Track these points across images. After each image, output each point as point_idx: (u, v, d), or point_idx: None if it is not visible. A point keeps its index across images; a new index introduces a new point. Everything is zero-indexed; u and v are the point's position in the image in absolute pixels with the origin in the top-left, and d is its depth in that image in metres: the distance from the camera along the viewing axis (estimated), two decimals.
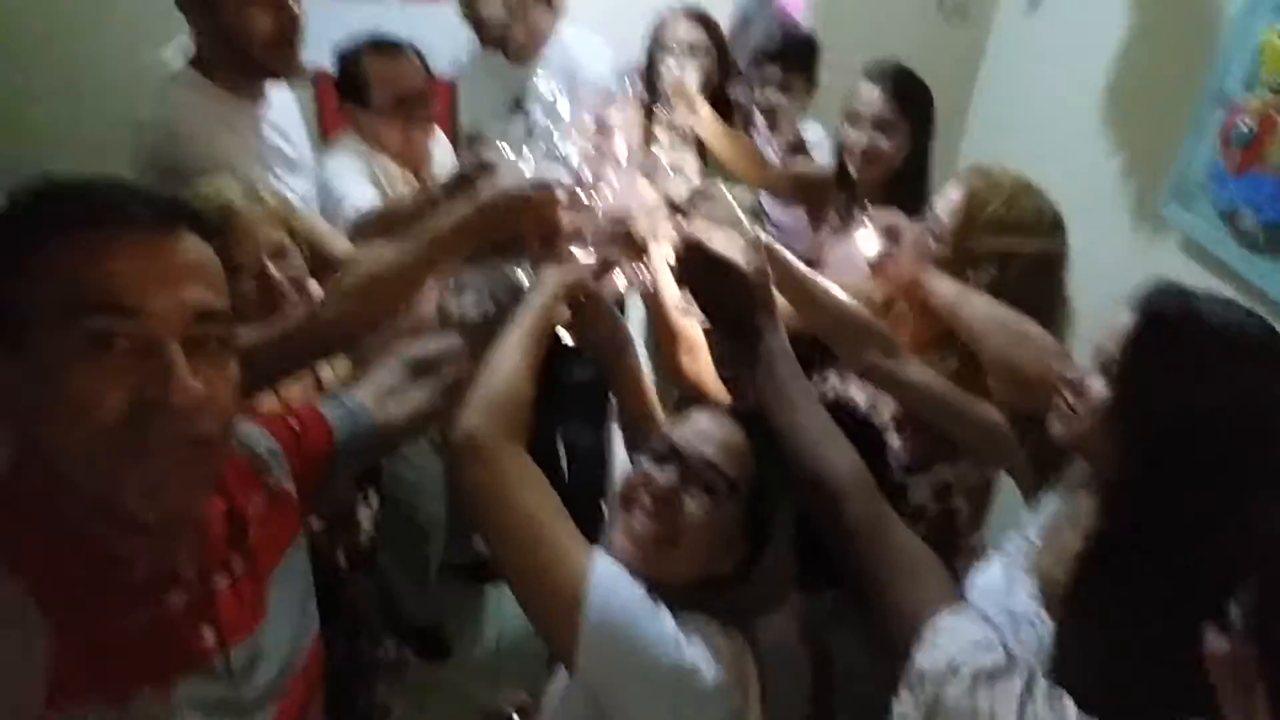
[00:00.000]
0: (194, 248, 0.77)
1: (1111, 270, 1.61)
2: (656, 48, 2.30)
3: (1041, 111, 2.69)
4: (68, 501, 0.73)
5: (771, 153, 2.62)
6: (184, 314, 0.73)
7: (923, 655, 0.81)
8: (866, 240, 1.50)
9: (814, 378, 1.60)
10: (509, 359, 1.07)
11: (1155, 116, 2.16)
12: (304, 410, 1.10)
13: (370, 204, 1.83)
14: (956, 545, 1.55)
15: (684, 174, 1.47)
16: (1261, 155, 1.75)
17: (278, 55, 1.58)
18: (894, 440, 1.49)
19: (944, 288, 1.40)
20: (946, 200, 1.45)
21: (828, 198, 2.04)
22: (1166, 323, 1.00)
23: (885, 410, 1.51)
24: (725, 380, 1.40)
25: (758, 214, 2.64)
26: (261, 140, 1.66)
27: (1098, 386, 1.04)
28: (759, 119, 2.69)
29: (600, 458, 2.75)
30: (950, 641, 0.80)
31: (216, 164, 1.51)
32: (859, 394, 1.55)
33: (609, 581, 0.87)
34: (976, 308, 1.35)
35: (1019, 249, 1.38)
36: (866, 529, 0.94)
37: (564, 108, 1.43)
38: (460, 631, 2.60)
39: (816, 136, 2.56)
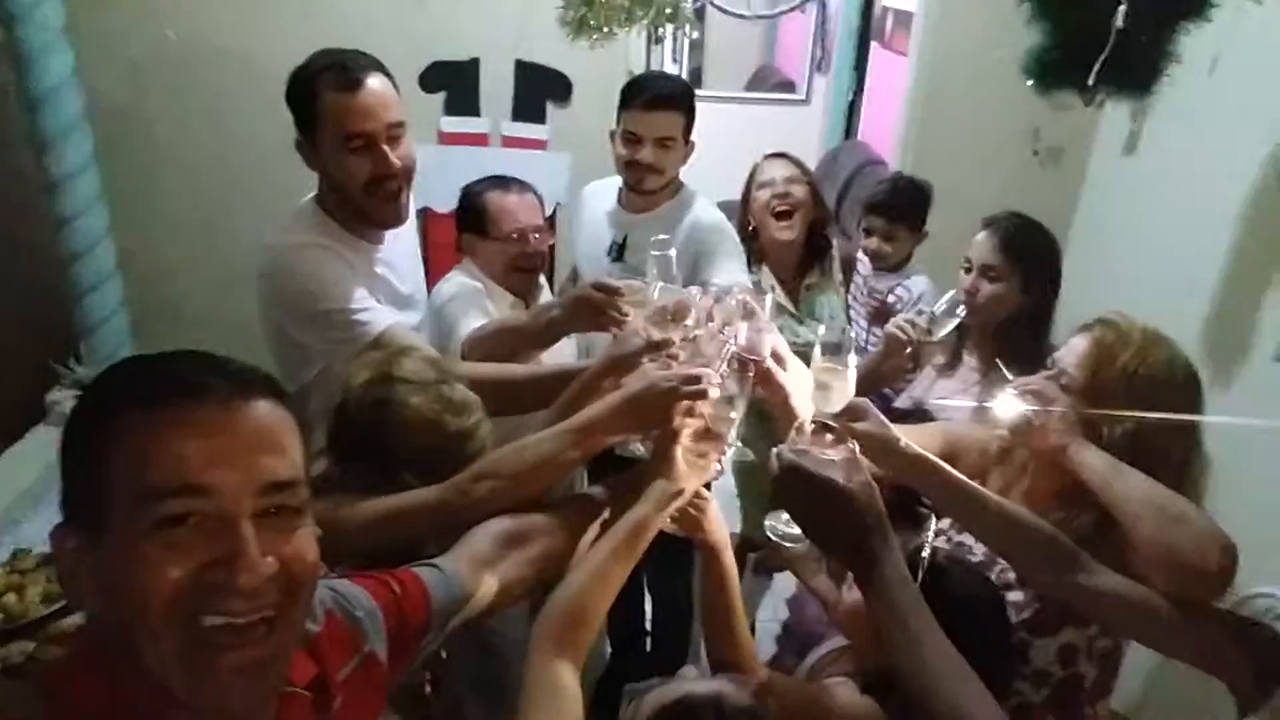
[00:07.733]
0: (266, 414, 0.75)
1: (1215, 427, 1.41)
2: (754, 186, 2.39)
3: (1142, 257, 2.64)
4: (140, 685, 0.72)
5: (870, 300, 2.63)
6: (255, 487, 0.72)
7: None
8: (1006, 404, 1.39)
9: (920, 529, 1.53)
10: (593, 571, 1.14)
11: (1269, 262, 2.10)
12: (403, 574, 1.09)
13: None
14: (1081, 711, 1.44)
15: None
16: None
17: (377, 204, 1.63)
18: (1015, 596, 1.40)
19: (1094, 460, 1.30)
20: (1073, 351, 1.38)
21: None
22: None
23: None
24: None
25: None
26: (371, 273, 1.73)
27: None
28: (863, 263, 2.72)
29: (686, 606, 2.63)
30: None
31: (319, 287, 1.60)
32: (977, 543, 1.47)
33: None
34: (1130, 484, 1.25)
35: (1153, 403, 1.30)
36: None
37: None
38: None
39: (920, 288, 2.53)
